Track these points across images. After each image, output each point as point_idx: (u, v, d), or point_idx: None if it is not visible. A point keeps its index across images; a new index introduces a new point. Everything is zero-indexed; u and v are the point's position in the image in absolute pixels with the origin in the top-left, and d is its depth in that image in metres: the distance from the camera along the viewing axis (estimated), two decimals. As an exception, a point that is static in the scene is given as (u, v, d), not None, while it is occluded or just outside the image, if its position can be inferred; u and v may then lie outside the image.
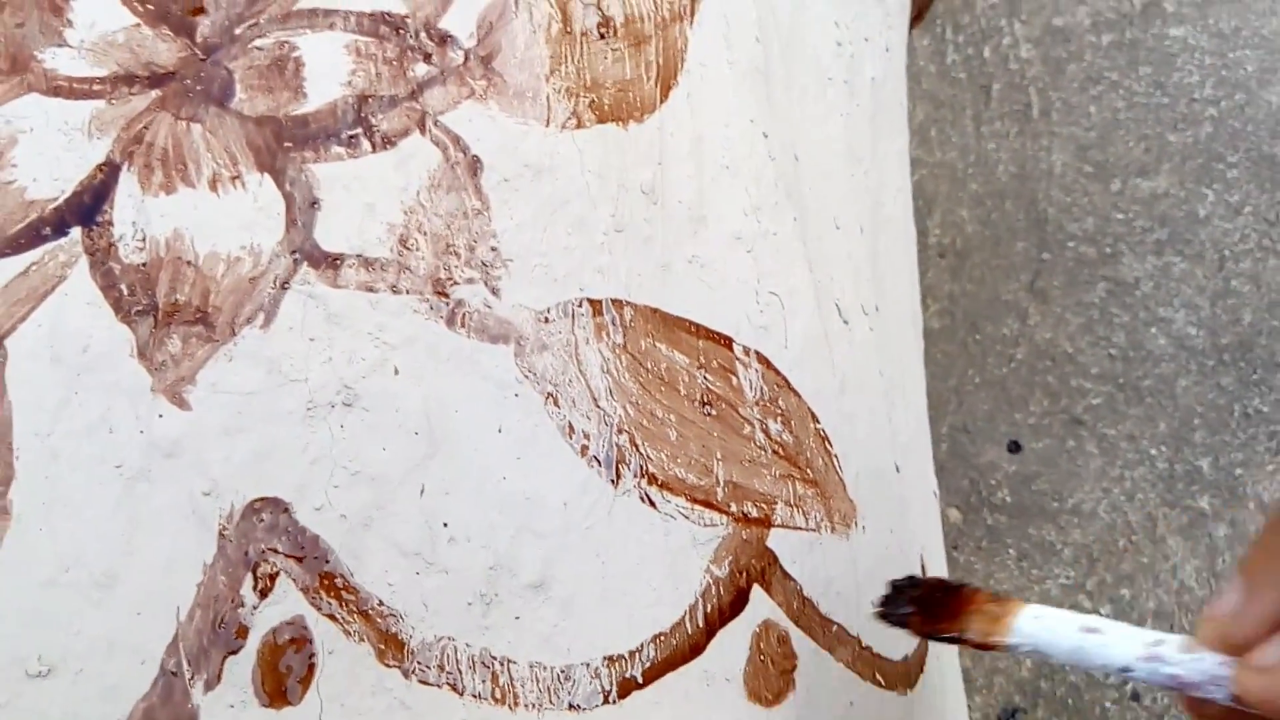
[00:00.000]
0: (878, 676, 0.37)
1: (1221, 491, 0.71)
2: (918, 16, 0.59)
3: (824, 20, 0.44)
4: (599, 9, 0.37)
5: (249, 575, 0.29)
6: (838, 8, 0.45)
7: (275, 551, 0.29)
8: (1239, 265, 0.76)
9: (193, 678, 0.28)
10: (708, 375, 0.34)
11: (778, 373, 0.36)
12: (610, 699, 0.31)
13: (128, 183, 0.31)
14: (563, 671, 0.30)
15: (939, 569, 0.43)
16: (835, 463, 0.36)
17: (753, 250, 0.37)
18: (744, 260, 0.36)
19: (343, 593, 0.29)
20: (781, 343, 0.36)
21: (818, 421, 0.36)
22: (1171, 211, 0.79)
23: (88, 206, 0.31)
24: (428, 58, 0.34)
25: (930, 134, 0.85)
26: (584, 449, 0.32)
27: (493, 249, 0.32)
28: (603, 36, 0.37)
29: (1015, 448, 0.73)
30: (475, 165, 0.33)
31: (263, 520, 0.29)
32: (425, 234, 0.32)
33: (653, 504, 0.32)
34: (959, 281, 0.77)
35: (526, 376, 0.32)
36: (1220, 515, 0.71)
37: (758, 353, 0.35)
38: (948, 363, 0.75)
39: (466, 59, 0.34)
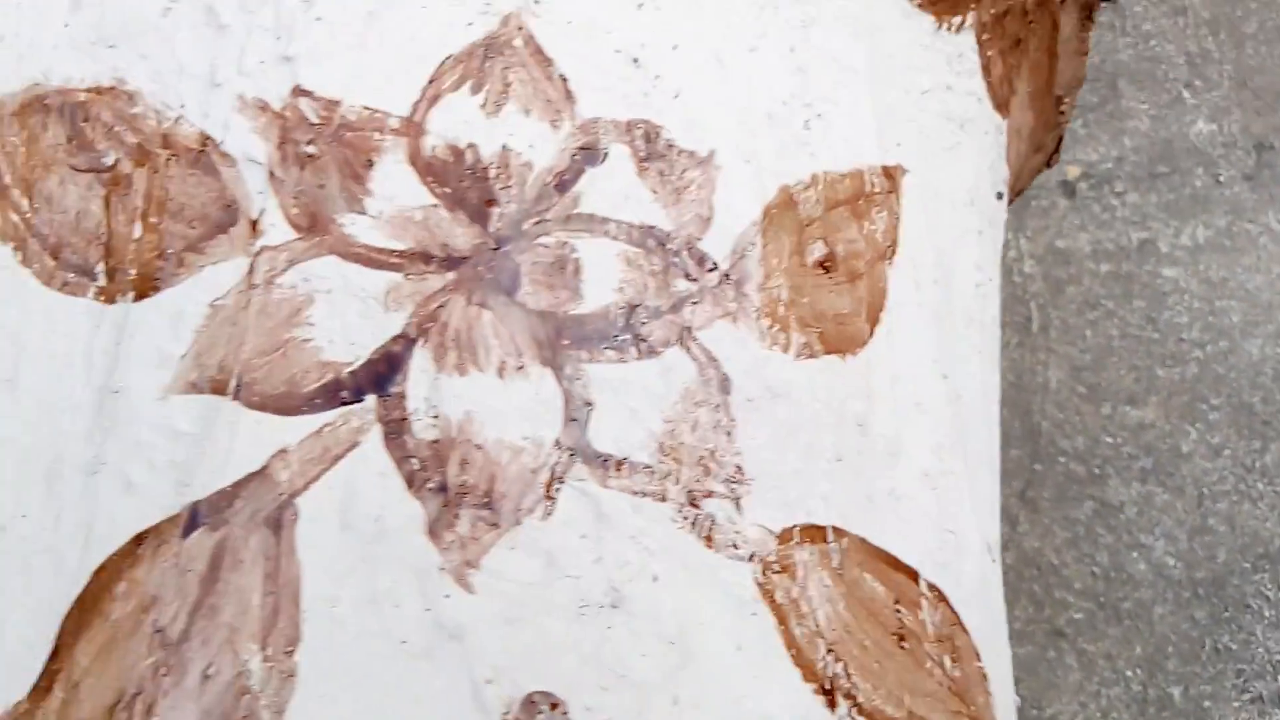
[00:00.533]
0: None
1: (1186, 720, 0.75)
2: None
3: (970, 263, 0.49)
4: (826, 243, 0.41)
5: None
6: (981, 248, 0.50)
7: None
8: (1216, 505, 0.83)
9: None
10: (901, 608, 0.37)
11: (952, 609, 0.39)
12: None
13: (421, 358, 0.33)
14: None
15: None
16: (991, 703, 0.40)
17: (937, 488, 0.40)
18: (930, 496, 0.40)
19: None
20: (956, 580, 0.39)
21: (979, 659, 0.40)
22: (1157, 443, 0.86)
23: (383, 376, 0.33)
24: (688, 275, 0.37)
25: None
26: (808, 673, 0.34)
27: (737, 467, 0.35)
28: (826, 270, 0.40)
29: None
30: (726, 383, 0.36)
31: (541, 714, 0.30)
32: (683, 445, 0.35)
33: None
34: None
35: (763, 596, 0.34)
36: None
37: (938, 589, 0.39)
38: None
39: (722, 280, 0.37)
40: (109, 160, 0.34)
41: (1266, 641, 0.76)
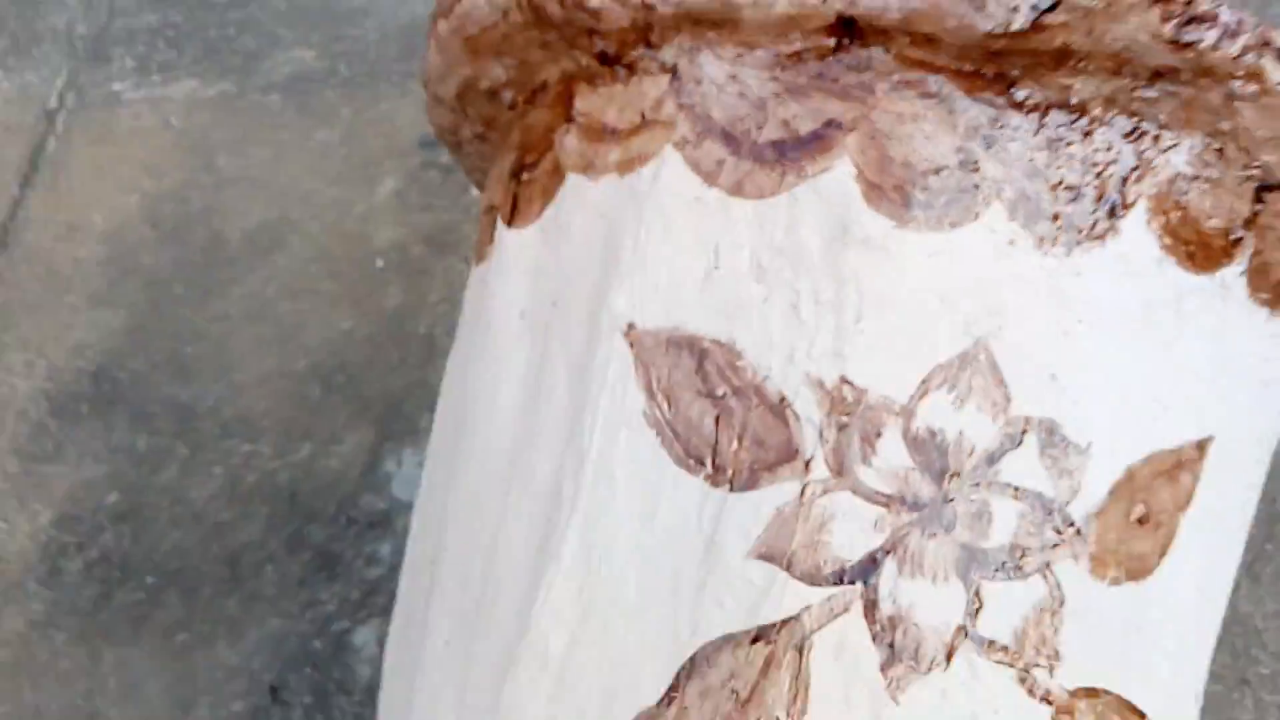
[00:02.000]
0: None
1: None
2: None
3: (1244, 479, 0.72)
4: (1145, 505, 0.66)
5: None
6: (1258, 468, 0.74)
7: None
8: None
9: None
10: None
11: None
12: None
13: (889, 565, 0.62)
14: None
15: None
16: None
17: (1179, 667, 0.66)
18: (1171, 674, 0.66)
19: None
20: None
21: None
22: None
23: (867, 571, 0.62)
24: (1056, 530, 0.64)
25: None
26: None
27: (1055, 650, 0.63)
28: (1141, 524, 0.66)
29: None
30: (1062, 599, 0.63)
31: None
32: (1031, 636, 0.62)
33: None
34: None
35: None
36: None
37: None
38: None
39: (1076, 534, 0.64)
40: (720, 392, 0.63)
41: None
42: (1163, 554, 0.67)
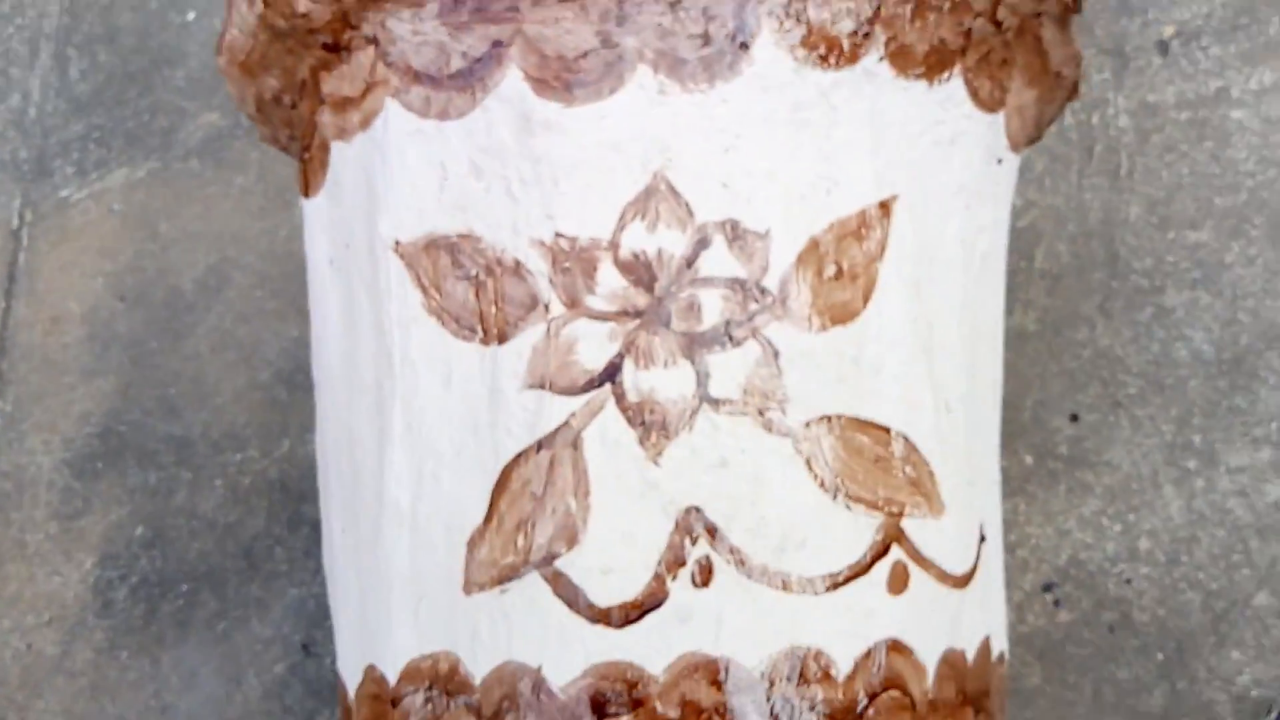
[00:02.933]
0: (951, 583, 0.81)
1: (1203, 457, 1.14)
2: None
3: (953, 231, 0.87)
4: (835, 262, 0.82)
5: (687, 541, 0.77)
6: (968, 217, 0.88)
7: (699, 537, 0.77)
8: (1245, 302, 1.16)
9: (667, 575, 0.76)
10: (877, 446, 0.80)
11: (910, 443, 0.81)
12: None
13: (628, 363, 0.78)
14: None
15: (994, 527, 0.89)
16: (935, 484, 0.82)
17: (903, 387, 0.82)
18: (898, 391, 0.82)
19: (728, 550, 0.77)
20: (916, 428, 0.81)
21: (929, 465, 0.82)
22: (1207, 258, 1.17)
23: (611, 374, 0.78)
24: (756, 301, 0.80)
25: (1045, 182, 1.23)
26: (822, 486, 0.78)
27: (784, 394, 0.79)
28: (837, 278, 0.82)
29: (1074, 418, 1.14)
30: (776, 355, 0.79)
31: (692, 517, 0.77)
32: (753, 385, 0.78)
33: (850, 509, 0.79)
34: (1052, 298, 1.18)
35: (797, 452, 0.79)
36: (1198, 472, 1.14)
37: (902, 434, 0.81)
38: (1037, 355, 1.18)
39: (773, 302, 0.80)
40: (474, 272, 0.80)
41: (1268, 401, 1.13)
42: (866, 299, 0.81)
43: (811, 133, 0.79)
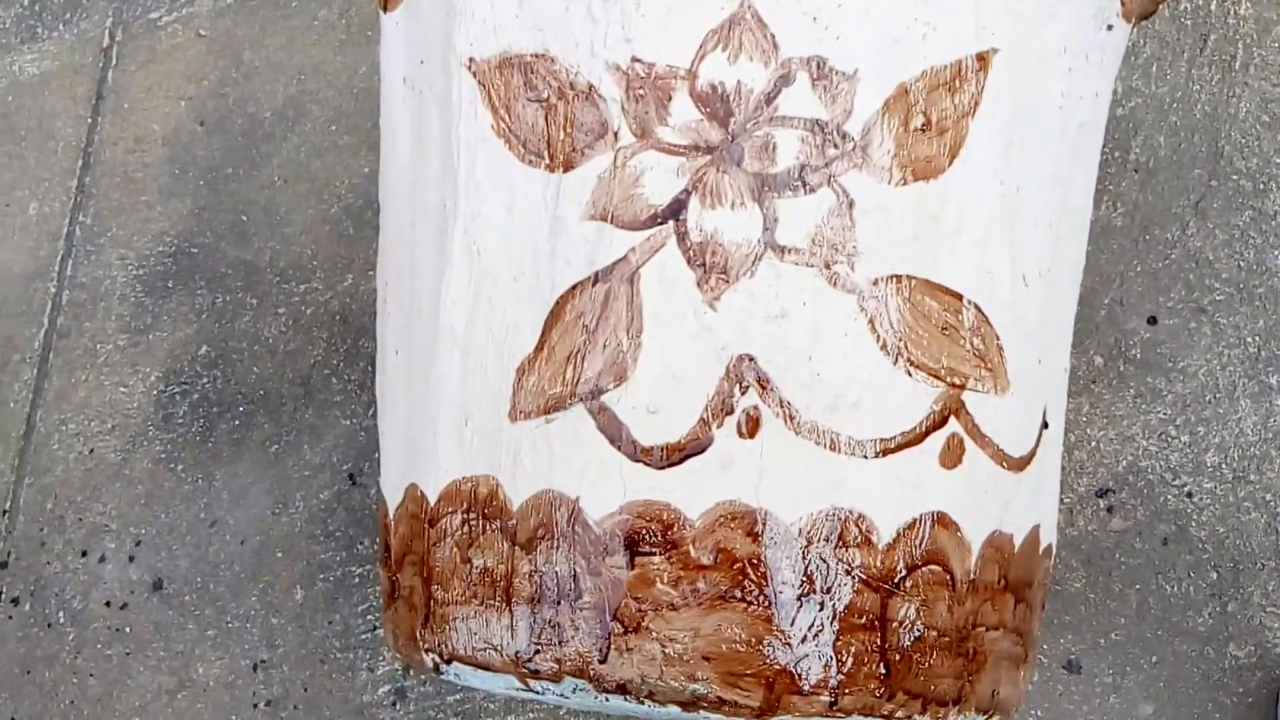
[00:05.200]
0: (1006, 464, 0.79)
1: (1287, 376, 1.06)
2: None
3: (1055, 93, 0.81)
4: (924, 115, 0.76)
5: (737, 388, 0.73)
6: (1071, 80, 0.82)
7: (757, 386, 0.73)
8: None
9: (710, 423, 0.72)
10: (946, 313, 0.76)
11: (983, 314, 0.77)
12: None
13: (693, 201, 0.74)
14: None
15: (1058, 416, 0.84)
16: (1003, 360, 0.77)
17: (983, 250, 0.77)
18: (976, 254, 0.76)
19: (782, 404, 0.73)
20: (989, 300, 0.77)
21: (999, 339, 0.77)
22: (1317, 164, 1.09)
23: (677, 210, 0.74)
24: (835, 146, 0.75)
25: (1151, 69, 1.16)
26: (882, 348, 0.74)
27: (854, 246, 0.74)
28: (924, 130, 0.76)
29: (1153, 321, 1.09)
30: (851, 205, 0.74)
31: (746, 367, 0.73)
32: (824, 234, 0.74)
33: (911, 375, 0.74)
34: (1144, 192, 1.12)
35: (861, 310, 0.74)
36: (1279, 389, 1.07)
37: (974, 303, 0.76)
38: (1120, 252, 1.12)
39: (854, 148, 0.75)
40: (545, 95, 0.76)
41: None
42: (953, 155, 0.77)
43: (913, -27, 0.73)
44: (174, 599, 1.34)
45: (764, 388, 0.67)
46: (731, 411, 0.68)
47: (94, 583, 1.37)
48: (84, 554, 1.39)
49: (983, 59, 0.73)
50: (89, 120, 1.63)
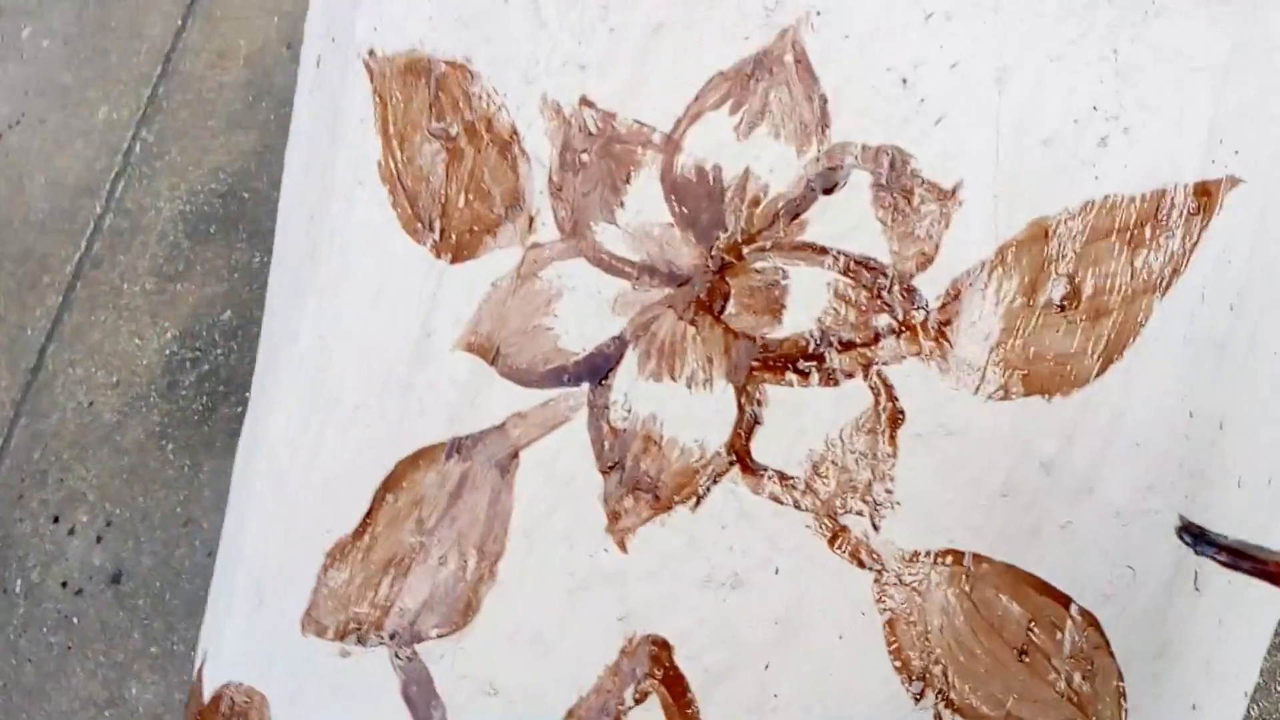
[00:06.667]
0: None
1: None
2: None
3: None
4: (1070, 280, 0.41)
5: (632, 685, 0.41)
6: None
7: (653, 677, 0.41)
8: None
9: None
10: (1034, 628, 0.41)
11: (1102, 634, 0.42)
12: None
13: (630, 360, 0.42)
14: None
15: None
16: (1123, 714, 0.43)
17: (1128, 525, 0.42)
18: (1116, 533, 0.42)
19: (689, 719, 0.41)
20: (1118, 611, 0.42)
21: (1121, 680, 0.43)
22: None
23: (598, 369, 0.42)
24: (891, 310, 0.41)
25: None
26: (903, 668, 0.40)
27: (887, 490, 0.40)
28: (1063, 309, 0.41)
29: None
30: (898, 418, 0.41)
31: (653, 652, 0.40)
32: (836, 465, 0.40)
33: None
34: None
35: (877, 600, 0.41)
36: None
37: (1090, 615, 0.42)
38: None
39: (926, 319, 0.40)
40: (454, 130, 0.45)
41: None
42: (1111, 357, 0.43)
43: (1113, 18, 0.39)
44: (128, 599, 1.14)
45: (678, 700, 0.36)
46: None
47: (58, 555, 1.19)
48: (56, 520, 1.21)
49: (1206, 192, 0.39)
50: (179, 22, 1.42)
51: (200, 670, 0.54)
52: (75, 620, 1.17)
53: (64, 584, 1.20)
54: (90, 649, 1.15)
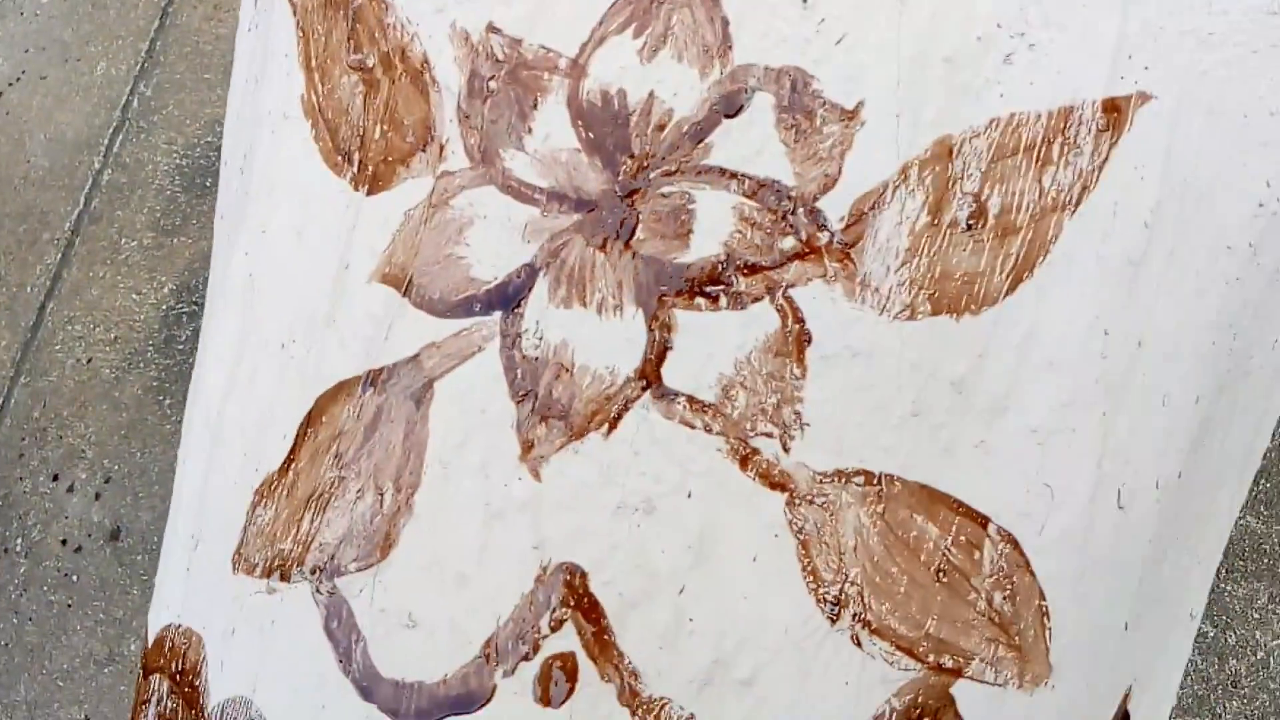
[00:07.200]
0: None
1: None
2: None
3: (1249, 182, 0.44)
4: (976, 199, 0.41)
5: (548, 613, 0.41)
6: (1273, 164, 0.45)
7: (568, 605, 0.41)
8: None
9: (496, 665, 0.41)
10: (952, 548, 0.41)
11: (1021, 554, 0.42)
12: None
13: (540, 287, 0.42)
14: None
15: (1162, 696, 0.49)
16: (1046, 634, 0.43)
17: (1044, 444, 0.42)
18: (1031, 452, 0.42)
19: (606, 647, 0.41)
20: (1036, 530, 0.42)
21: (1044, 599, 0.43)
22: None
23: (509, 297, 0.42)
24: (796, 232, 0.40)
25: None
26: (817, 589, 0.41)
27: (796, 413, 0.40)
28: (970, 228, 0.41)
29: None
30: (805, 339, 0.41)
31: (567, 579, 0.41)
32: (746, 388, 0.40)
33: (859, 644, 0.41)
34: None
35: (789, 522, 0.41)
36: None
37: (1009, 534, 0.42)
38: None
39: (830, 241, 0.40)
40: (369, 62, 0.45)
41: None
42: (1019, 276, 0.43)
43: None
44: (126, 555, 1.16)
45: (593, 626, 0.36)
46: (531, 655, 0.37)
47: (57, 514, 1.20)
48: (55, 478, 1.23)
49: (1115, 108, 0.39)
50: (177, -31, 1.42)
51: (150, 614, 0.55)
52: (75, 578, 1.19)
53: (64, 541, 1.22)
54: (90, 606, 1.17)
